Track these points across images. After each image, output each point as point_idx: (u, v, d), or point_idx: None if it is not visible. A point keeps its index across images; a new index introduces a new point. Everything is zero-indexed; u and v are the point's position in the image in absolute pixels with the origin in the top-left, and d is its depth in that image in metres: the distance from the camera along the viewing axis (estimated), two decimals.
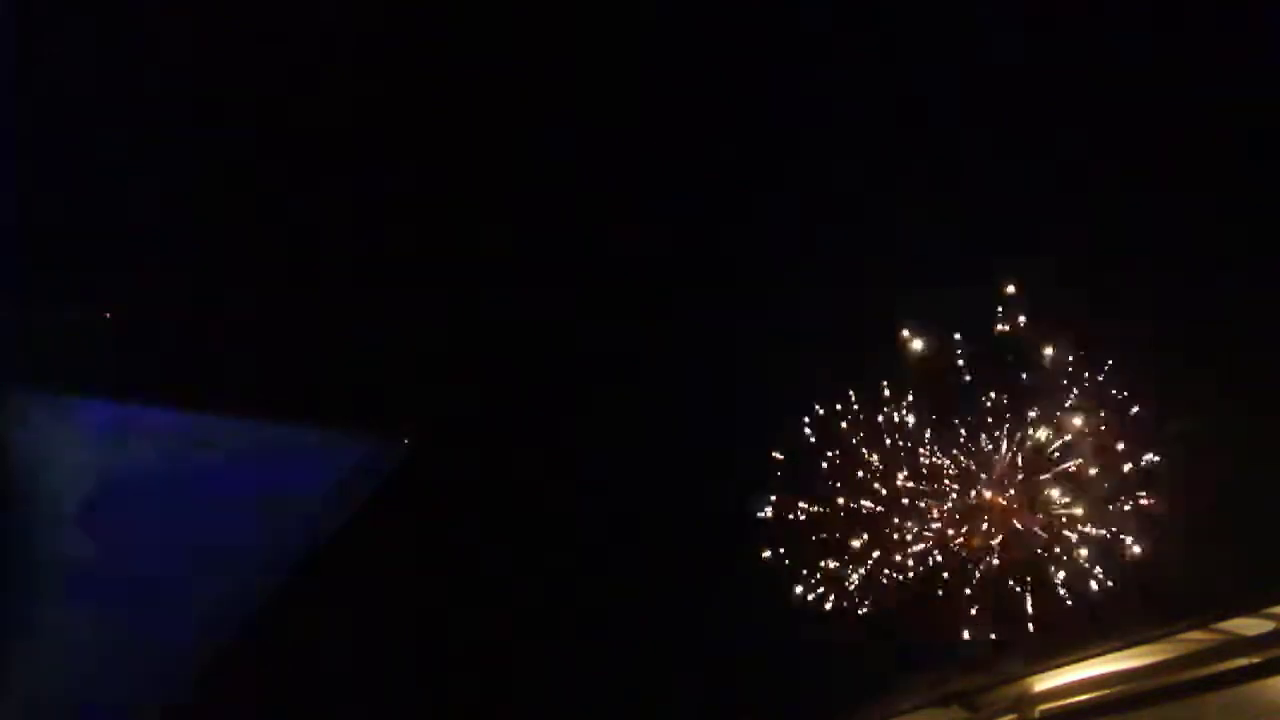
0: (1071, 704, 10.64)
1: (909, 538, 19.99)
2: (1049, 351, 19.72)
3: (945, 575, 19.75)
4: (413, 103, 20.17)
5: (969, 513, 19.63)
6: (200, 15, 18.31)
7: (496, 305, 20.93)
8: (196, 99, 18.65)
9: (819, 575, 20.21)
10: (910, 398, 20.35)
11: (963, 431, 20.13)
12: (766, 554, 20.15)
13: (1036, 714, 10.79)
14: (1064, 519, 19.22)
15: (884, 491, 20.27)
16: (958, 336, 19.94)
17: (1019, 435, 19.74)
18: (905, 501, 20.19)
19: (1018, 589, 19.24)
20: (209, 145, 18.77)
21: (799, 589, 19.85)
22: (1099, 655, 10.51)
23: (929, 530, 19.94)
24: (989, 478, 19.75)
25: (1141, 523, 18.70)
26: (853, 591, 20.07)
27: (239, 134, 18.95)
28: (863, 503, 20.26)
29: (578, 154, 20.85)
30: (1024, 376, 19.72)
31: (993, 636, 19.05)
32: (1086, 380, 19.43)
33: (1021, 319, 19.64)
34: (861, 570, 20.08)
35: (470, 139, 20.61)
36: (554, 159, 20.81)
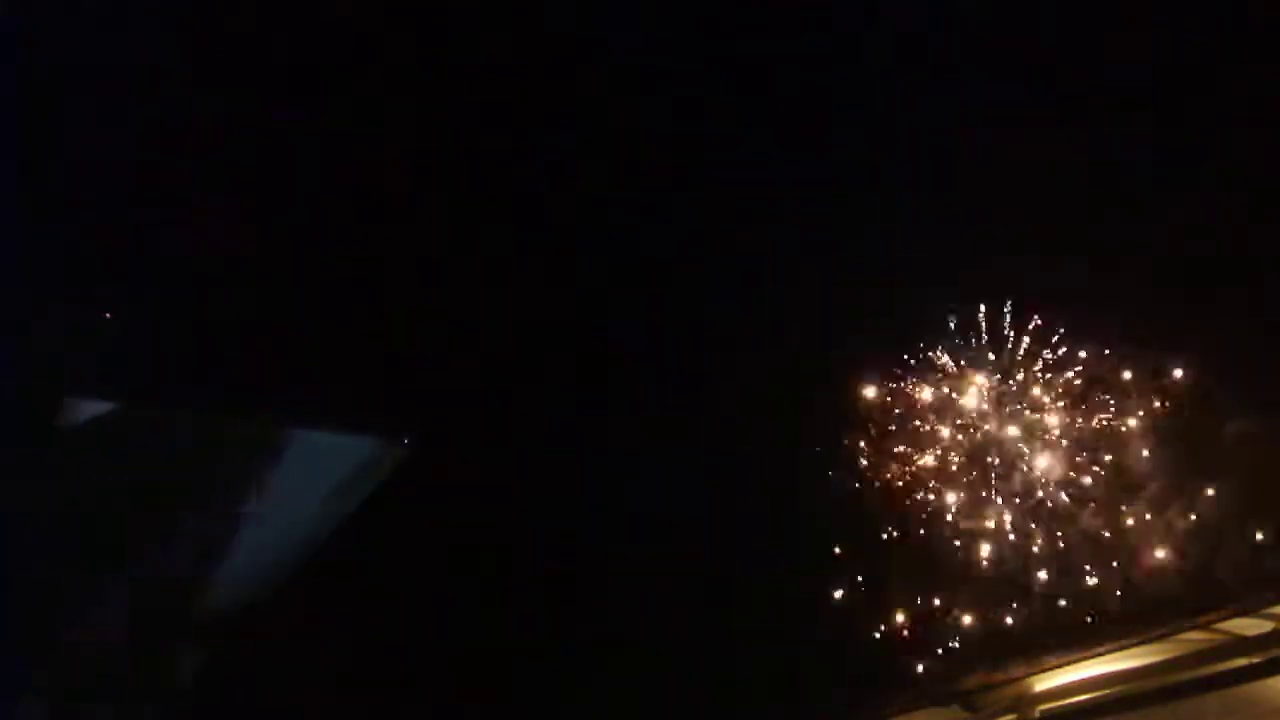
0: (1071, 704, 10.68)
1: (914, 534, 19.95)
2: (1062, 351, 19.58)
3: (948, 574, 19.72)
4: (412, 102, 20.18)
5: (976, 507, 19.57)
6: (201, 17, 18.32)
7: (497, 305, 20.93)
8: (197, 100, 18.66)
9: (819, 575, 20.18)
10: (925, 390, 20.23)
11: (971, 424, 20.02)
12: (767, 554, 20.12)
13: (1036, 714, 10.83)
14: (1070, 520, 19.20)
15: (889, 485, 20.20)
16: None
17: (1032, 429, 19.66)
18: (909, 498, 20.12)
19: (1020, 588, 19.23)
20: (210, 146, 18.78)
21: (799, 589, 19.83)
22: (1099, 655, 10.54)
23: (933, 526, 19.89)
24: (996, 473, 19.69)
25: (1149, 524, 18.66)
26: (855, 591, 20.04)
27: (239, 135, 18.95)
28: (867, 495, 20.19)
29: (581, 154, 20.84)
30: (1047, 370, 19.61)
31: (993, 636, 19.04)
32: (1106, 377, 19.31)
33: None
34: (863, 569, 20.06)
35: (470, 138, 20.61)
36: (557, 159, 20.80)
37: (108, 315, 18.57)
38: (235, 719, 18.54)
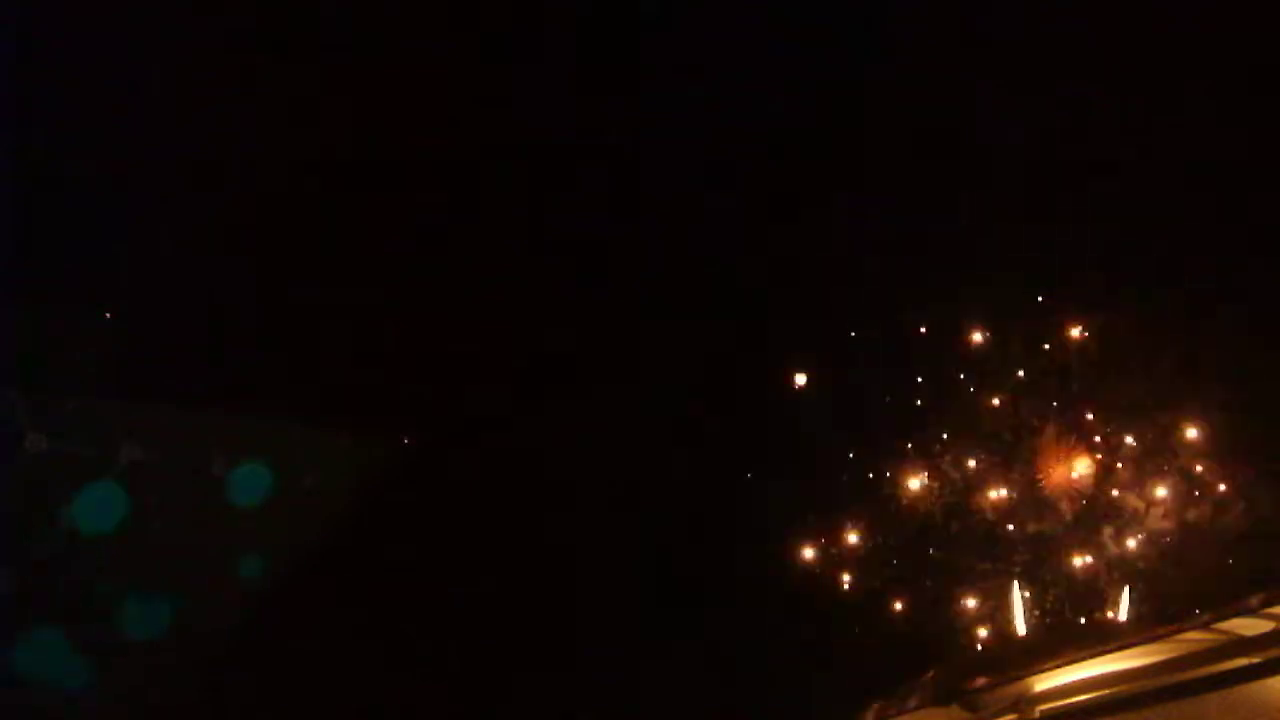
0: (1071, 704, 10.63)
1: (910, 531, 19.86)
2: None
3: (947, 575, 19.67)
4: (411, 102, 20.19)
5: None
6: (202, 16, 18.34)
7: (498, 304, 20.95)
8: (197, 97, 18.67)
9: (819, 574, 20.13)
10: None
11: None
12: (766, 553, 20.09)
13: (1036, 714, 10.78)
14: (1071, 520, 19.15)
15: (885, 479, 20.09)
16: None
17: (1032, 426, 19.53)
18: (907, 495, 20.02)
19: (1019, 588, 19.20)
20: (209, 144, 18.80)
21: (798, 588, 19.79)
22: (1099, 655, 10.51)
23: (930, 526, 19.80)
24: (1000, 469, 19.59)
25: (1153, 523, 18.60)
26: (853, 590, 19.98)
27: (239, 133, 18.96)
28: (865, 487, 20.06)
29: (582, 155, 20.86)
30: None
31: (991, 636, 19.01)
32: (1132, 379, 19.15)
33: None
34: (862, 567, 19.99)
35: (469, 139, 20.62)
36: (560, 160, 20.82)
37: (108, 315, 18.58)
38: (231, 719, 18.56)
